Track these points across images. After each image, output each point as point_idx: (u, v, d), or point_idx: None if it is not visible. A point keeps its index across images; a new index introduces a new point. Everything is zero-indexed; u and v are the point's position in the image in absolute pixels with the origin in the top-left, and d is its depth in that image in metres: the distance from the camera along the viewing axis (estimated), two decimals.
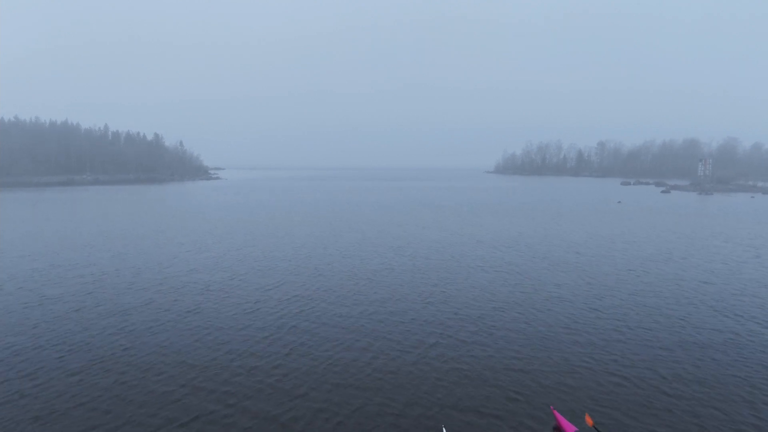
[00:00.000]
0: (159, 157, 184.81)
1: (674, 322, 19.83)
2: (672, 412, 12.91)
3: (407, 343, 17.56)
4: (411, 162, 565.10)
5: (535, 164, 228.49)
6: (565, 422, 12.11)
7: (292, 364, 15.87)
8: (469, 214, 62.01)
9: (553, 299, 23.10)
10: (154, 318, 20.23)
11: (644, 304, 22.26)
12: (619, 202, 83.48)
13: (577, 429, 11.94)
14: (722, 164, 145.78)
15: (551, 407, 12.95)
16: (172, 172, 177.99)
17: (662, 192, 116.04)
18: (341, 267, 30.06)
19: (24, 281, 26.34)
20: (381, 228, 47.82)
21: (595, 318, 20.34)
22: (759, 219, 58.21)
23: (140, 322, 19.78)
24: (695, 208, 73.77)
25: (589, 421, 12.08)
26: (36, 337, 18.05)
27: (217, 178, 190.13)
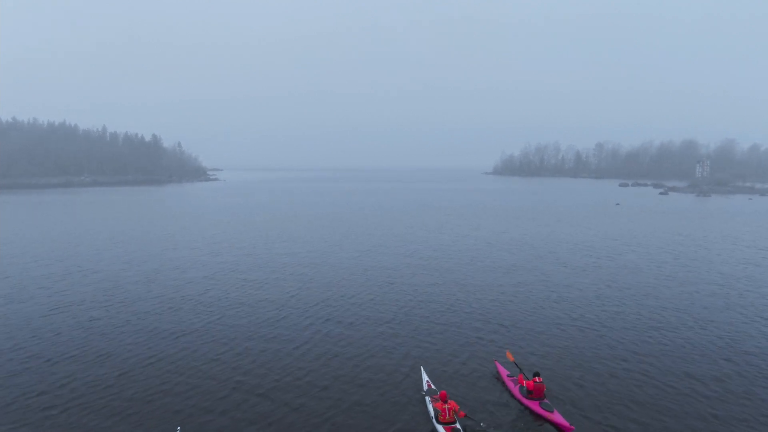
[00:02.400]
0: (157, 158, 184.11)
1: (700, 332, 20.10)
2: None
3: (446, 351, 17.72)
4: (410, 162, 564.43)
5: (534, 165, 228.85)
6: (503, 370, 15.49)
7: (329, 375, 15.92)
8: (473, 216, 62.20)
9: (571, 305, 23.32)
10: (175, 328, 20.27)
11: (675, 308, 22.51)
12: (618, 204, 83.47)
13: (508, 372, 15.29)
14: (720, 165, 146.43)
15: (494, 360, 16.29)
16: (171, 173, 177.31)
17: (660, 194, 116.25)
18: (357, 274, 30.14)
19: (38, 288, 26.37)
20: (387, 231, 47.96)
21: (620, 326, 20.57)
22: (760, 221, 58.58)
23: (161, 330, 19.85)
24: (695, 210, 74.14)
25: (509, 356, 15.96)
26: (59, 345, 18.16)
27: (216, 179, 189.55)
